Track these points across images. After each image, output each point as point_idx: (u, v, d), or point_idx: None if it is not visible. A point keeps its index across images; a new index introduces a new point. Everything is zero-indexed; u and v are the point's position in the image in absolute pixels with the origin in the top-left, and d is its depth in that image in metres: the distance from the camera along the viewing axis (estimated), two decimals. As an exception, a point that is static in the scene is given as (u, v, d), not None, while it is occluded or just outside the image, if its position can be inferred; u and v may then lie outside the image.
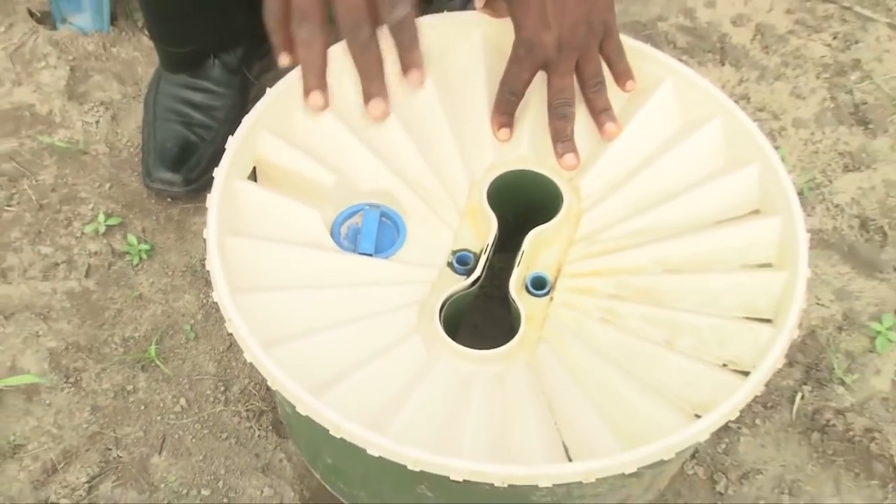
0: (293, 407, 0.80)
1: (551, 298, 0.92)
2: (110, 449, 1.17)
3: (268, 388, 1.20)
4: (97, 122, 1.40)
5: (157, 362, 1.22)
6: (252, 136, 0.94)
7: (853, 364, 1.26)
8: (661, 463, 0.80)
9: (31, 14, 1.50)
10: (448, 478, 0.77)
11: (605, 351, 0.89)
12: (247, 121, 0.93)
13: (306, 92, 0.77)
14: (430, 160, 0.98)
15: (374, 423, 0.83)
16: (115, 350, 1.23)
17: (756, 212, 0.96)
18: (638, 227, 0.95)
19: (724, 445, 1.20)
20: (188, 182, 1.32)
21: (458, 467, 0.76)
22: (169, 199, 1.34)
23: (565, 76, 0.97)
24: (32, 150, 1.37)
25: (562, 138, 0.98)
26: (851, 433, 1.20)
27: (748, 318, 0.90)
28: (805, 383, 1.25)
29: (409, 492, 0.87)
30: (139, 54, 1.46)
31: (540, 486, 0.77)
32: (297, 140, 0.96)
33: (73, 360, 1.22)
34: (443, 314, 0.90)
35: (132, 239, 1.30)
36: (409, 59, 0.76)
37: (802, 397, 1.23)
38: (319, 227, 0.93)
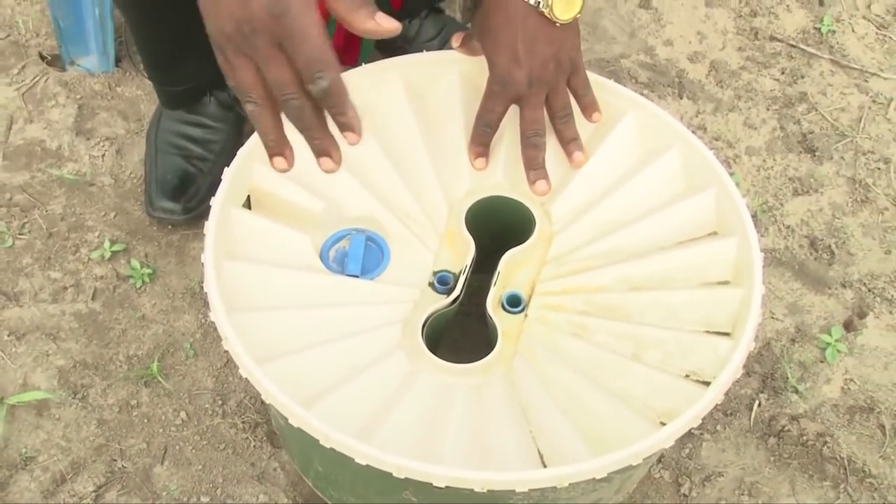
0: (286, 419, 0.79)
1: (526, 315, 0.92)
2: (115, 460, 1.15)
3: (262, 402, 1.19)
4: (103, 155, 1.39)
5: (159, 378, 1.21)
6: (246, 167, 0.93)
7: (805, 373, 1.26)
8: (630, 468, 0.79)
9: (42, 57, 1.49)
10: (431, 484, 0.76)
11: (577, 363, 0.88)
12: (241, 153, 0.93)
13: (270, 157, 0.76)
14: (412, 188, 0.97)
15: (362, 432, 0.83)
16: (119, 367, 1.22)
17: (714, 233, 0.96)
18: (605, 249, 0.95)
19: (687, 450, 1.19)
20: (187, 210, 1.30)
21: (441, 474, 0.75)
22: (169, 227, 1.33)
23: (536, 109, 0.96)
24: (43, 183, 1.36)
25: (534, 166, 0.98)
26: (805, 438, 1.20)
27: (708, 332, 0.90)
28: (762, 392, 1.24)
29: (395, 497, 0.86)
30: (142, 93, 1.45)
31: (517, 490, 0.77)
32: None
33: (80, 377, 1.20)
34: (425, 331, 0.90)
35: (135, 264, 1.29)
36: (342, 122, 0.73)
37: (759, 405, 1.23)
38: (309, 251, 0.92)
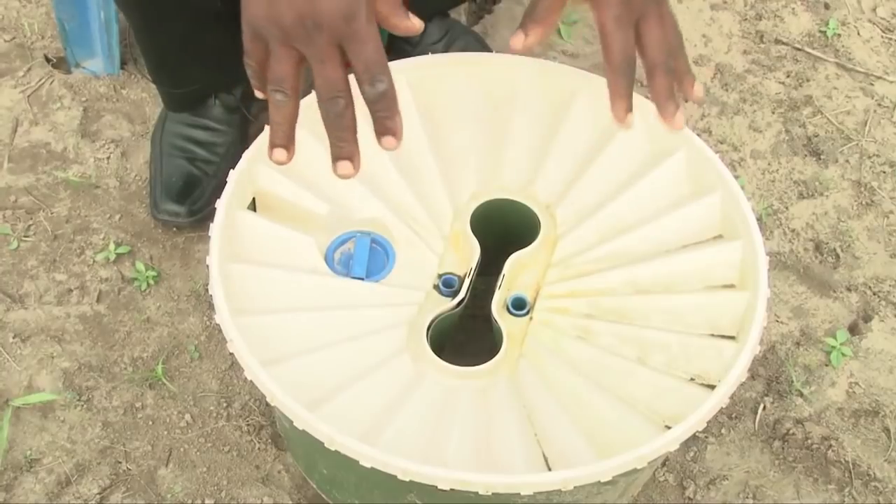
0: (290, 421, 0.79)
1: (530, 318, 0.92)
2: (120, 462, 1.15)
3: (267, 404, 1.19)
4: (108, 158, 1.39)
5: (164, 381, 1.21)
6: (251, 170, 0.93)
7: (810, 377, 1.26)
8: (635, 471, 0.79)
9: (48, 59, 1.49)
10: (436, 487, 0.76)
11: (581, 367, 0.88)
12: (246, 155, 0.93)
13: (271, 147, 0.76)
14: (417, 190, 0.97)
15: (366, 435, 0.83)
16: (124, 369, 1.22)
17: (719, 236, 0.96)
18: (609, 252, 0.95)
19: (692, 453, 1.19)
20: (192, 213, 1.31)
21: (446, 477, 0.75)
22: (174, 229, 1.33)
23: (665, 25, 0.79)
24: (48, 185, 1.36)
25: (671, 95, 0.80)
26: (810, 441, 1.19)
27: (713, 335, 0.90)
28: (766, 395, 1.24)
29: (400, 499, 0.86)
30: (147, 95, 1.46)
31: (522, 493, 0.77)
32: (293, 173, 0.95)
33: (85, 379, 1.21)
34: (429, 333, 0.90)
35: (140, 266, 1.29)
36: (386, 127, 0.73)
37: (764, 408, 1.23)
38: (314, 253, 0.92)
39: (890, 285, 1.34)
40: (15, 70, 1.47)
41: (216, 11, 1.21)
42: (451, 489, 0.76)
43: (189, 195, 1.31)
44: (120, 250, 1.30)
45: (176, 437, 1.17)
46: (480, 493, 0.76)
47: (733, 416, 1.22)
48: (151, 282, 1.29)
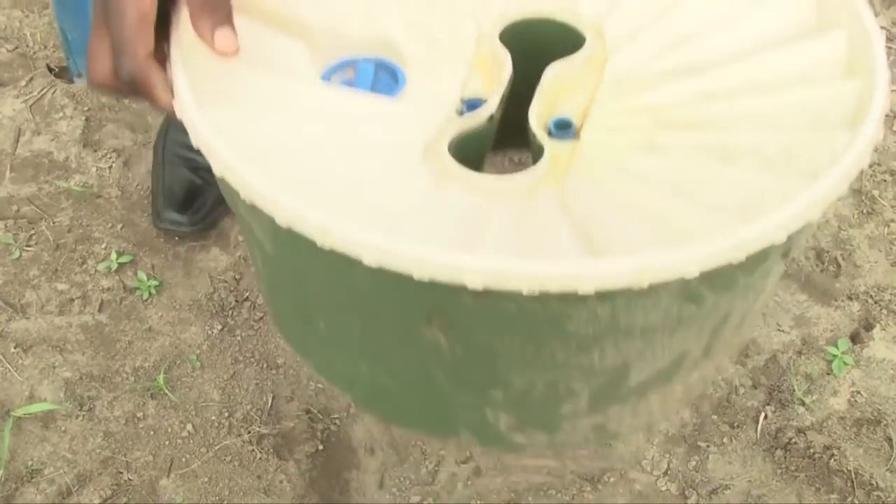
0: (271, 222, 0.57)
1: (578, 138, 0.69)
2: (121, 472, 1.15)
3: (269, 413, 1.18)
4: (110, 167, 1.39)
5: (166, 390, 1.20)
6: None
7: (812, 386, 1.25)
8: (764, 257, 0.58)
9: (50, 69, 1.49)
10: (463, 302, 0.56)
11: (650, 178, 0.65)
12: None
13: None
14: (434, 7, 0.75)
15: None
16: (126, 379, 1.21)
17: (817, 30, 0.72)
18: (675, 64, 0.72)
19: (693, 462, 1.19)
20: (194, 222, 1.30)
21: (476, 268, 0.53)
22: (176, 238, 1.33)
23: None
24: (50, 194, 1.36)
25: None
26: (812, 450, 1.19)
27: (818, 131, 0.67)
28: (768, 404, 1.23)
29: (417, 338, 0.62)
30: (149, 105, 1.45)
31: (580, 292, 0.52)
32: None
33: (86, 389, 1.20)
34: (453, 154, 0.67)
35: (142, 275, 1.29)
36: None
37: (766, 417, 1.22)
38: (305, 63, 0.71)
39: (891, 294, 1.34)
40: (17, 80, 1.47)
41: None
42: (486, 289, 0.53)
43: (191, 204, 1.30)
44: (122, 260, 1.30)
45: (177, 447, 1.17)
46: (524, 293, 0.53)
47: (735, 425, 1.22)
48: (153, 291, 1.28)
